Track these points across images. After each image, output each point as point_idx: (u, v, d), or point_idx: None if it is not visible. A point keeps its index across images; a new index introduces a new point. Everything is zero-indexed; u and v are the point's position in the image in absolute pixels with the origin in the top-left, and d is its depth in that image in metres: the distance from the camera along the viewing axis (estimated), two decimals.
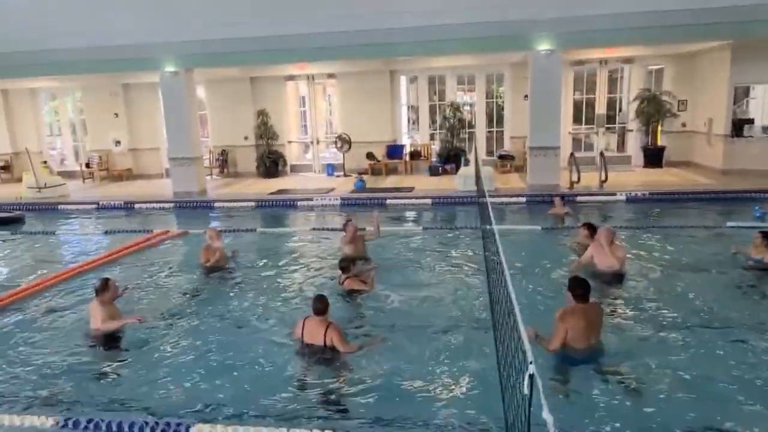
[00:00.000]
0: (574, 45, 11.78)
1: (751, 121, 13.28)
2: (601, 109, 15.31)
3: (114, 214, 12.18)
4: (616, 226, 8.82)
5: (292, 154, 17.03)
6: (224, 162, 16.47)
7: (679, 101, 14.43)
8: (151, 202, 12.75)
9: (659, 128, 14.69)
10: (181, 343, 5.15)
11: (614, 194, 11.22)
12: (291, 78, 16.27)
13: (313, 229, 9.94)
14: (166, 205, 12.58)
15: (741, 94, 14.53)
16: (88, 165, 17.03)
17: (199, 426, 3.62)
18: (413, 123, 17.49)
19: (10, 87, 16.94)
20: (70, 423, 3.72)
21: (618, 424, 3.64)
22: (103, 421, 3.72)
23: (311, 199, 12.24)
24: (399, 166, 15.80)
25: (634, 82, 15.12)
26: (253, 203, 12.24)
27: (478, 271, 6.85)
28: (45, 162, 16.57)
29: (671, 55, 14.38)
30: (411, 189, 12.87)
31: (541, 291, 6.15)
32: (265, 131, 15.88)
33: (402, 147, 15.93)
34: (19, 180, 14.99)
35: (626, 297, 5.91)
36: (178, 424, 3.66)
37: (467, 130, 15.78)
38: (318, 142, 16.91)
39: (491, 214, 4.47)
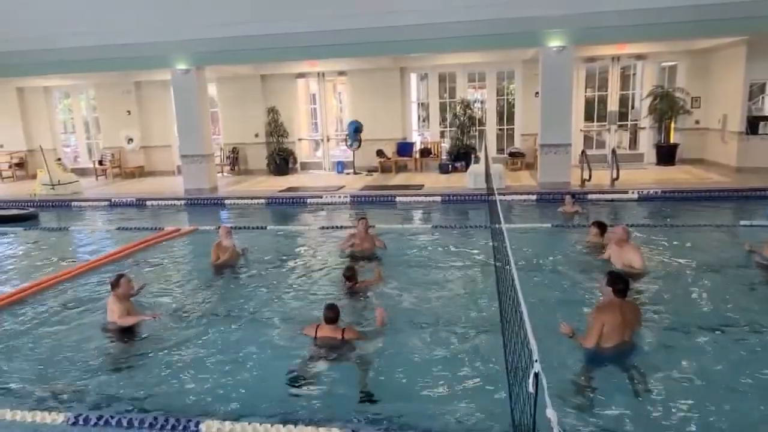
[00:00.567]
0: (585, 41, 11.67)
1: (766, 118, 13.08)
2: (613, 106, 15.17)
3: (126, 211, 12.30)
4: (628, 224, 8.76)
5: (303, 152, 17.08)
6: (235, 159, 16.55)
7: (692, 98, 14.26)
8: (162, 199, 12.85)
9: (672, 125, 14.54)
10: (191, 340, 5.18)
11: (626, 192, 11.12)
12: (301, 75, 16.31)
13: (323, 227, 9.96)
14: (178, 203, 12.66)
15: (756, 91, 14.31)
16: (101, 162, 17.20)
17: (208, 423, 3.64)
18: (423, 120, 17.46)
19: (24, 85, 17.15)
20: (80, 419, 3.76)
21: (639, 423, 3.62)
22: (112, 417, 3.76)
23: (321, 197, 12.27)
24: (409, 163, 15.78)
25: (646, 78, 14.96)
26: (263, 201, 12.29)
27: (487, 269, 6.83)
28: (59, 159, 16.82)
29: (685, 51, 14.20)
30: (421, 186, 12.85)
31: (550, 289, 6.11)
32: (275, 128, 15.94)
33: (412, 144, 15.90)
34: (34, 177, 15.17)
35: (639, 296, 5.85)
36: (188, 421, 3.68)
37: (477, 128, 15.71)
38: (328, 140, 16.94)
39: (500, 212, 4.44)
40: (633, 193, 11.05)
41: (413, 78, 16.52)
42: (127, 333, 5.33)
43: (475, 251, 7.81)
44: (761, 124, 12.77)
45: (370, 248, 7.57)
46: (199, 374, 4.51)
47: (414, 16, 11.31)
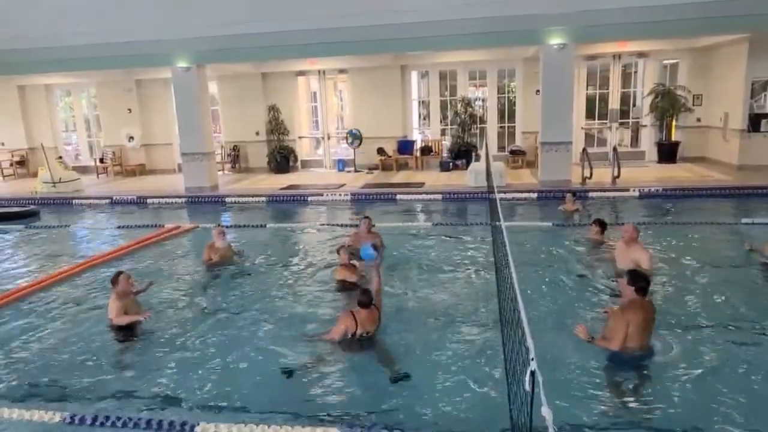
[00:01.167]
0: (586, 39, 11.62)
1: None
2: (614, 104, 15.12)
3: (127, 209, 12.32)
4: (629, 222, 8.77)
5: (303, 150, 17.07)
6: (236, 157, 16.54)
7: (694, 96, 14.22)
8: (163, 197, 12.85)
9: (674, 123, 14.51)
10: (190, 340, 5.18)
11: (627, 190, 11.09)
12: (302, 73, 16.29)
13: (323, 224, 9.95)
14: (178, 201, 12.67)
15: (758, 89, 14.26)
16: (102, 160, 17.21)
17: (203, 425, 3.63)
18: (424, 118, 17.43)
19: (26, 83, 17.15)
20: (75, 419, 3.75)
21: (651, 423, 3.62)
22: (108, 418, 3.75)
23: (321, 195, 12.26)
24: (410, 161, 15.76)
25: (648, 76, 14.92)
26: (264, 198, 12.29)
27: (488, 267, 6.82)
28: (60, 157, 16.84)
29: (686, 49, 14.15)
30: (422, 184, 12.84)
31: (550, 288, 6.10)
32: (276, 126, 15.93)
33: (413, 142, 15.88)
34: (35, 175, 15.20)
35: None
36: (183, 423, 3.67)
37: (478, 126, 15.69)
38: (329, 138, 16.92)
39: (500, 210, 4.42)
40: (634, 191, 11.02)
41: (414, 76, 16.49)
42: (126, 332, 5.32)
43: (476, 249, 7.80)
44: (763, 121, 12.73)
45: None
46: (195, 374, 4.50)
47: (414, 14, 11.29)
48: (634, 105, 15.52)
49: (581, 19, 10.91)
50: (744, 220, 8.75)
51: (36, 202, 12.79)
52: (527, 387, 1.78)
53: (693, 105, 14.24)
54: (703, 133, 14.39)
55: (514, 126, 15.83)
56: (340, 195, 12.22)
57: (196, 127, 13.21)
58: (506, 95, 16.12)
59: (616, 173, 11.62)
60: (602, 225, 7.48)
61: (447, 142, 16.00)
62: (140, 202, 12.71)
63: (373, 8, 11.31)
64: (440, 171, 14.96)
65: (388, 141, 15.75)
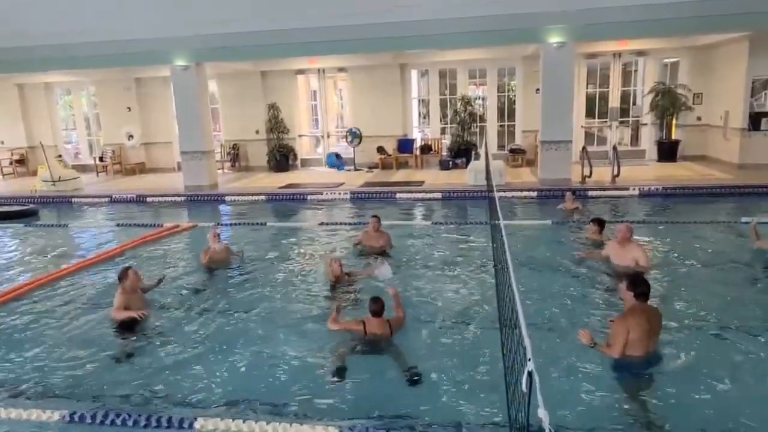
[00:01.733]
0: (586, 38, 11.61)
1: None
2: (614, 102, 15.11)
3: (126, 208, 12.31)
4: (630, 221, 8.76)
5: (303, 148, 17.06)
6: (235, 156, 16.53)
7: (694, 94, 14.20)
8: (162, 195, 12.85)
9: (674, 122, 14.49)
10: (189, 338, 5.18)
11: (627, 189, 11.08)
12: (301, 72, 16.28)
13: (322, 223, 9.95)
14: (178, 199, 12.66)
15: (759, 87, 14.22)
16: (101, 159, 17.21)
17: (201, 421, 3.63)
18: (424, 117, 17.41)
19: (25, 82, 17.14)
20: (75, 417, 3.75)
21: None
22: (107, 415, 3.75)
23: (321, 193, 12.25)
24: (409, 160, 15.75)
25: (648, 75, 14.90)
26: (263, 197, 12.28)
27: (488, 266, 6.81)
28: (59, 156, 16.84)
29: (687, 47, 14.13)
30: (421, 183, 12.82)
31: (549, 287, 6.07)
32: (275, 125, 15.92)
33: (412, 141, 15.86)
34: (34, 174, 15.19)
35: None
36: (182, 419, 3.67)
37: (478, 124, 15.67)
38: (329, 136, 16.91)
39: (499, 209, 4.41)
40: (634, 189, 11.01)
41: (414, 74, 16.47)
42: (125, 329, 5.32)
43: (476, 248, 7.79)
44: (763, 120, 12.70)
45: (379, 246, 7.56)
46: (195, 371, 4.51)
47: (414, 13, 11.28)
48: (634, 103, 15.50)
49: (581, 17, 10.89)
50: (744, 219, 8.72)
51: (35, 200, 12.78)
52: (524, 388, 1.77)
53: (693, 103, 14.22)
54: (704, 132, 14.37)
55: (514, 124, 15.81)
56: (339, 194, 12.21)
57: (195, 125, 13.19)
58: (506, 94, 16.10)
59: (615, 172, 11.61)
60: (600, 224, 7.48)
61: (447, 141, 15.98)
62: (140, 200, 12.70)
63: (373, 7, 11.30)
64: (440, 170, 14.95)
65: (388, 139, 15.73)
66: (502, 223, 3.86)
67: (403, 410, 3.83)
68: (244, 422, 3.61)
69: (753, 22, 10.72)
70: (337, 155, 15.86)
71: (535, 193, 11.27)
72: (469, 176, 12.28)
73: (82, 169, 16.79)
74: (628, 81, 15.51)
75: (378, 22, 11.48)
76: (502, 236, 3.51)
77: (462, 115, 15.21)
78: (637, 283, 4.29)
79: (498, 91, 15.96)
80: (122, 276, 5.56)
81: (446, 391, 4.08)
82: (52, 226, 10.93)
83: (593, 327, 4.73)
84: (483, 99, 16.29)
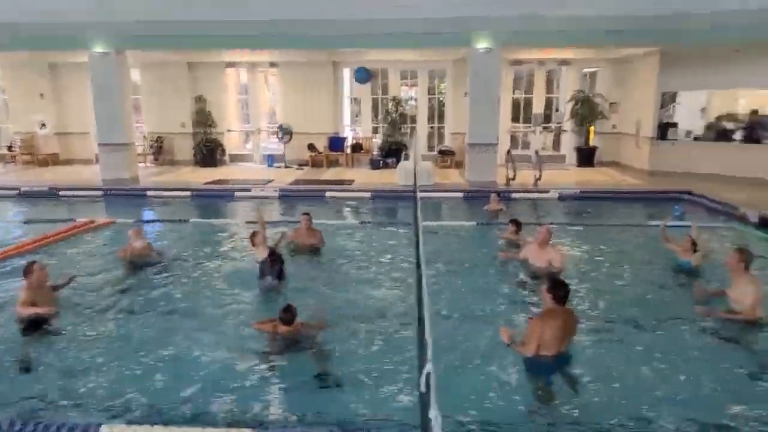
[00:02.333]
0: (511, 44, 12.01)
1: (675, 125, 14.01)
2: (538, 108, 15.75)
3: (37, 202, 11.49)
4: (549, 222, 9.14)
5: (232, 144, 16.63)
6: (159, 149, 15.86)
7: (610, 104, 15.05)
8: (77, 189, 12.10)
9: (592, 129, 15.29)
10: (100, 339, 4.91)
11: (548, 192, 11.57)
12: (231, 65, 15.85)
13: (250, 221, 9.73)
14: (95, 193, 11.98)
15: (668, 99, 15.28)
16: (10, 148, 16.02)
17: (106, 428, 3.45)
18: (356, 116, 17.43)
19: None
20: None
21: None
22: (4, 421, 3.49)
23: (249, 190, 11.98)
24: (340, 158, 15.71)
25: (570, 83, 15.65)
26: (188, 193, 11.86)
27: (411, 265, 6.90)
28: None
29: (605, 59, 14.96)
30: (351, 182, 12.82)
31: (468, 286, 6.23)
32: (202, 118, 15.41)
33: (344, 139, 15.84)
34: None
35: None
36: (87, 425, 3.47)
37: (409, 125, 15.87)
38: (259, 132, 16.57)
39: (419, 210, 4.48)
40: (554, 192, 11.52)
41: (346, 73, 16.44)
42: (32, 329, 5.00)
43: (402, 247, 7.87)
44: (670, 130, 13.65)
45: (311, 244, 7.50)
46: (105, 374, 4.28)
47: (347, 11, 11.26)
48: (556, 110, 16.22)
49: (506, 24, 11.27)
50: (653, 222, 9.31)
51: None
52: (422, 388, 1.81)
53: (609, 113, 15.07)
54: (618, 140, 15.25)
55: (444, 126, 16.13)
56: (268, 191, 11.99)
57: (114, 116, 12.55)
58: (436, 96, 16.40)
59: (538, 175, 12.10)
60: (518, 225, 7.75)
61: (378, 141, 16.07)
62: (52, 194, 11.90)
63: (305, 2, 11.17)
64: (371, 169, 15.01)
65: (319, 137, 15.63)
66: (420, 224, 3.91)
67: (319, 411, 3.81)
68: (152, 427, 3.46)
69: (662, 38, 11.49)
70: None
71: (461, 194, 11.55)
72: (399, 176, 12.41)
73: None
74: (552, 88, 16.22)
75: (309, 19, 11.38)
76: (419, 236, 3.56)
77: (393, 115, 15.35)
78: (557, 286, 4.40)
79: (429, 93, 16.23)
80: (27, 271, 5.27)
81: (366, 391, 4.09)
82: None
83: (512, 325, 4.90)
84: (414, 100, 16.51)
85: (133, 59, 13.64)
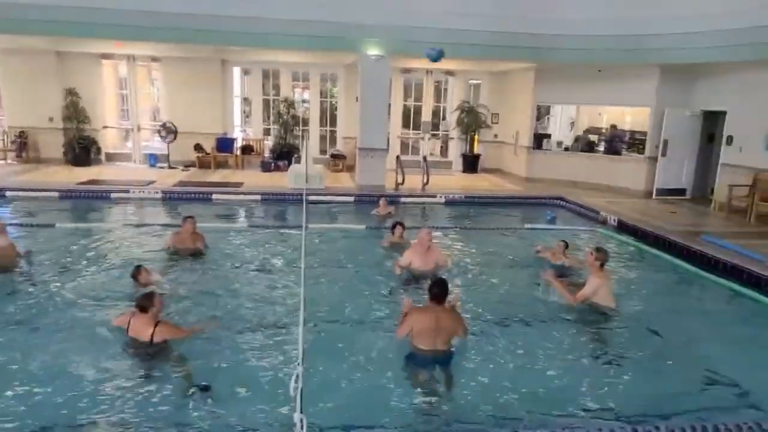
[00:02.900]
0: (399, 53, 12.33)
1: (549, 136, 15.20)
2: (427, 116, 16.34)
3: None
4: (435, 226, 9.56)
5: (109, 141, 15.47)
6: (23, 145, 14.34)
7: (492, 114, 15.98)
8: None
9: (476, 137, 16.15)
10: None
11: (435, 196, 12.04)
12: (107, 57, 14.75)
13: (128, 224, 9.12)
14: None
15: (543, 112, 16.53)
16: None
17: None
18: (246, 116, 16.98)
19: None
20: None
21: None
22: None
23: (128, 192, 11.22)
24: (229, 160, 15.21)
25: (456, 93, 16.41)
26: (56, 193, 10.85)
27: (297, 269, 6.84)
28: None
29: (487, 71, 15.87)
30: (240, 184, 12.45)
31: (355, 290, 6.30)
32: (74, 113, 14.17)
33: (233, 140, 15.35)
34: None
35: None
36: None
37: (301, 128, 15.75)
38: (140, 130, 15.57)
39: (305, 213, 4.48)
40: (440, 197, 12.00)
41: (236, 71, 15.98)
42: None
43: (289, 251, 7.76)
44: (545, 140, 14.79)
45: (194, 248, 7.27)
46: None
47: (234, 8, 10.96)
48: (443, 118, 16.93)
49: (394, 33, 11.58)
50: (527, 225, 10.04)
51: None
52: (292, 391, 1.80)
53: (492, 122, 16.00)
54: (499, 148, 16.23)
55: (336, 130, 16.21)
56: (149, 192, 11.30)
57: None
58: (329, 100, 16.44)
59: (425, 180, 12.54)
60: (403, 227, 7.97)
61: (270, 142, 15.77)
62: None
63: None
64: (262, 171, 14.69)
65: (207, 137, 15.02)
66: (304, 227, 3.91)
67: (189, 420, 3.68)
68: None
69: (535, 55, 12.40)
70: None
71: (352, 198, 11.66)
72: (290, 179, 12.25)
73: None
74: (440, 97, 16.90)
75: (196, 13, 10.93)
76: (303, 240, 3.55)
77: (285, 117, 15.15)
78: (432, 285, 4.67)
79: (321, 97, 16.22)
80: None
81: (243, 397, 4.00)
82: None
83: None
84: (307, 102, 16.42)
85: None
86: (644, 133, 13.44)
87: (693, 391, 4.39)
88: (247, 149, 15.45)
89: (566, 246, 7.33)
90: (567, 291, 5.84)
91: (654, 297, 6.77)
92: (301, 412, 1.56)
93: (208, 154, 14.93)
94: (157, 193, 11.30)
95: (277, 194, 11.52)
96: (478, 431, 3.67)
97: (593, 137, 15.11)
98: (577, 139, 15.05)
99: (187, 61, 14.56)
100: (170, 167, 14.42)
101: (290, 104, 15.27)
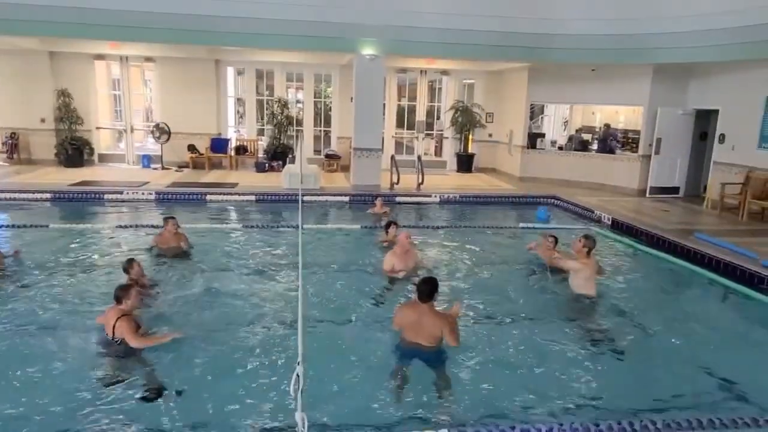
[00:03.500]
0: (395, 53, 12.34)
1: (543, 135, 15.25)
2: (421, 116, 16.35)
3: None
4: (430, 225, 9.58)
5: (102, 142, 15.39)
6: (14, 146, 14.24)
7: (487, 114, 16.01)
8: None
9: (470, 137, 16.17)
10: None
11: (429, 196, 12.05)
12: (101, 57, 14.67)
13: (121, 226, 9.07)
14: None
15: (537, 111, 16.61)
16: None
17: None
18: (240, 117, 16.94)
19: None
20: None
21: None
22: None
23: (121, 193, 11.16)
24: (224, 160, 15.17)
25: (450, 93, 16.43)
26: (48, 195, 10.78)
27: (293, 269, 6.83)
28: None
29: (482, 71, 15.90)
30: (234, 185, 12.41)
31: (349, 289, 6.29)
32: (66, 114, 14.09)
33: (227, 141, 15.29)
34: None
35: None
36: None
37: (295, 128, 15.73)
38: (133, 130, 15.50)
39: (300, 214, 4.48)
40: (435, 196, 12.01)
41: (230, 72, 15.93)
42: None
43: (286, 251, 7.76)
44: (538, 140, 14.82)
45: (177, 246, 7.33)
46: None
47: (229, 8, 10.93)
48: (438, 118, 16.95)
49: (389, 33, 11.59)
50: (522, 225, 10.07)
51: None
52: (291, 391, 1.80)
53: (486, 122, 16.03)
54: (494, 147, 16.26)
55: (330, 130, 16.19)
56: (143, 193, 11.25)
57: None
58: (323, 100, 16.42)
59: (420, 180, 12.55)
60: (397, 227, 7.97)
61: (264, 143, 15.73)
62: None
63: None
64: (256, 171, 14.64)
65: (201, 138, 14.97)
66: (301, 227, 3.90)
67: (191, 418, 3.67)
68: None
69: (529, 55, 12.43)
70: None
71: (347, 198, 11.65)
72: (284, 179, 12.23)
73: None
74: (434, 97, 16.92)
75: (190, 13, 10.89)
76: (299, 240, 3.55)
77: (279, 117, 15.12)
78: (420, 282, 4.75)
79: (315, 97, 16.20)
80: None
81: (244, 395, 4.00)
82: None
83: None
84: (301, 103, 16.39)
85: None
86: (638, 132, 13.52)
87: (686, 386, 4.42)
88: (241, 150, 15.40)
89: (556, 241, 7.40)
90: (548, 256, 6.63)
91: (647, 294, 6.82)
92: (302, 411, 1.56)
93: (202, 154, 14.88)
94: (150, 194, 11.24)
95: (271, 195, 11.49)
96: (472, 426, 3.67)
97: (587, 136, 15.18)
98: (570, 139, 15.11)
99: (180, 62, 14.51)
100: (164, 168, 14.36)
101: (284, 104, 15.24)
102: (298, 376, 1.74)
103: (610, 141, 14.26)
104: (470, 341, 5.00)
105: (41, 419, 3.67)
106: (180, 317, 5.34)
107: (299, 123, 16.00)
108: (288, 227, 9.19)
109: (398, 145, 16.78)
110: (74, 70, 14.35)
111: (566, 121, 17.34)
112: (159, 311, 5.46)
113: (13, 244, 7.45)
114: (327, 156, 15.51)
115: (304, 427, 1.51)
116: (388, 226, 7.90)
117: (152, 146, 15.27)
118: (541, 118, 17.67)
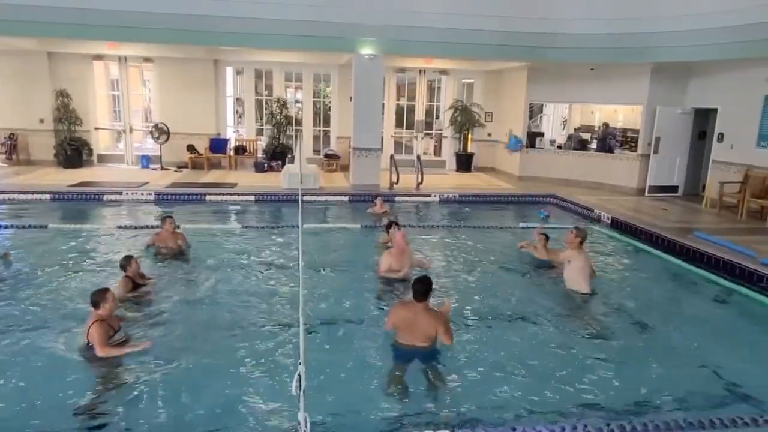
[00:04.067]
0: (394, 52, 12.34)
1: (542, 135, 15.25)
2: (420, 115, 16.35)
3: None
4: (429, 225, 9.57)
5: (101, 143, 15.38)
6: (13, 147, 14.22)
7: (486, 113, 16.01)
8: None
9: (469, 136, 16.17)
10: None
11: (429, 195, 12.05)
12: (99, 57, 14.66)
13: (121, 226, 9.07)
14: None
15: (536, 111, 16.62)
16: None
17: None
18: (239, 117, 16.93)
19: None
20: None
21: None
22: None
23: (120, 193, 11.16)
24: (223, 160, 15.16)
25: (449, 92, 16.42)
26: (48, 196, 10.77)
27: (292, 269, 6.83)
28: None
29: (481, 70, 15.90)
30: (234, 185, 12.41)
31: (349, 289, 6.30)
32: (65, 114, 14.07)
33: (226, 141, 15.29)
34: None
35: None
36: None
37: (294, 128, 15.72)
38: (132, 131, 15.48)
39: (300, 213, 4.48)
40: (435, 196, 12.02)
41: (229, 71, 15.92)
42: None
43: (285, 251, 7.77)
44: (537, 139, 14.83)
45: (176, 246, 7.37)
46: None
47: (228, 8, 10.92)
48: (437, 117, 16.95)
49: (389, 33, 11.58)
50: (521, 224, 10.07)
51: None
52: (294, 390, 1.80)
53: (485, 121, 16.03)
54: (493, 147, 16.26)
55: (330, 130, 16.19)
56: (142, 194, 11.25)
57: None
58: (322, 100, 16.41)
59: (419, 179, 12.55)
60: (398, 227, 7.97)
61: (263, 143, 15.73)
62: None
63: None
64: (255, 171, 14.64)
65: (200, 138, 14.96)
66: (301, 227, 3.91)
67: (192, 417, 3.66)
68: None
69: (529, 54, 12.43)
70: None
71: (347, 198, 11.65)
72: (284, 179, 12.23)
73: None
74: (433, 96, 16.92)
75: (188, 13, 10.88)
76: (299, 241, 3.55)
77: (278, 117, 15.11)
78: (415, 282, 4.73)
79: (314, 97, 16.20)
80: None
81: (239, 396, 4.00)
82: None
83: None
84: (300, 103, 16.38)
85: None
86: (636, 131, 13.52)
87: (686, 386, 4.42)
88: (240, 150, 15.40)
89: (547, 239, 7.42)
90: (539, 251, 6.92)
91: (646, 293, 6.82)
92: (304, 411, 1.57)
93: (201, 154, 14.88)
94: (150, 194, 11.24)
95: (271, 195, 11.49)
96: (471, 426, 3.68)
97: (586, 135, 15.19)
98: (569, 138, 15.12)
99: (179, 62, 14.50)
100: (163, 168, 14.35)
101: (283, 104, 15.24)
102: (299, 376, 1.75)
103: (609, 140, 14.27)
104: (466, 339, 5.03)
105: (36, 423, 3.67)
106: (177, 316, 5.35)
107: (298, 123, 15.99)
108: (288, 227, 9.19)
109: (397, 145, 16.78)
110: (73, 70, 14.34)
111: (565, 121, 17.35)
112: (156, 310, 5.46)
113: (2, 245, 7.44)
114: (326, 156, 15.51)
115: (306, 427, 1.51)
116: (389, 226, 7.88)
117: (151, 146, 15.26)
118: (540, 117, 17.68)
